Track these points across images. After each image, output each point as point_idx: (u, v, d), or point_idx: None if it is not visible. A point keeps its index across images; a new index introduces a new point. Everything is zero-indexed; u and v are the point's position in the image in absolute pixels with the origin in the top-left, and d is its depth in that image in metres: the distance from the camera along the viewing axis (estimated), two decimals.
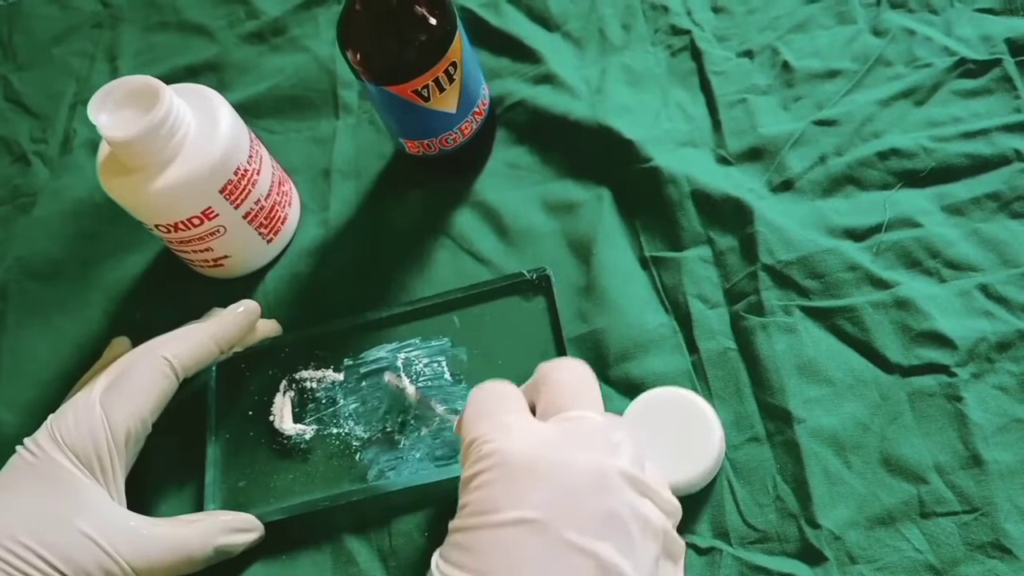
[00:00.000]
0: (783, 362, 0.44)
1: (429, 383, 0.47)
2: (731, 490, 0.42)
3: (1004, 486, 0.40)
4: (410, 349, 0.48)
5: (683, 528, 0.41)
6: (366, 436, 0.47)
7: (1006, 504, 0.39)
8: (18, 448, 0.42)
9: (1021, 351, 0.42)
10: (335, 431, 0.47)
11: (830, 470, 0.41)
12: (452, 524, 0.34)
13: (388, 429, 0.46)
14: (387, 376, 0.47)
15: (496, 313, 0.49)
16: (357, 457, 0.46)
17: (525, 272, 0.49)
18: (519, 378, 0.46)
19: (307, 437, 0.47)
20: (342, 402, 0.48)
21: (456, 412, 0.46)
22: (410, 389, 0.47)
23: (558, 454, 0.33)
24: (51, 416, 0.43)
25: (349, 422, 0.47)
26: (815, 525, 0.40)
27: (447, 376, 0.47)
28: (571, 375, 0.38)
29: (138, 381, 0.43)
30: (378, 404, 0.47)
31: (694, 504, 0.42)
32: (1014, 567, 0.38)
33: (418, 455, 0.45)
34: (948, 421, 0.42)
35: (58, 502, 0.40)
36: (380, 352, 0.49)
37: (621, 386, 0.46)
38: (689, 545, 0.41)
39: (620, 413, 0.43)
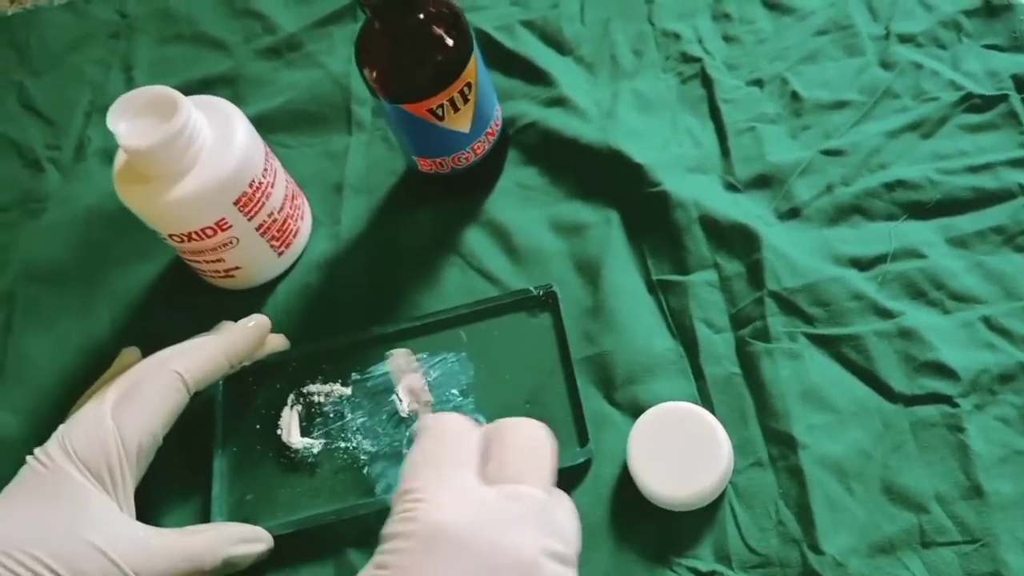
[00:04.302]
0: (787, 388, 0.44)
1: (436, 399, 0.47)
2: (733, 514, 0.42)
3: (1005, 517, 0.40)
4: (419, 362, 0.49)
5: (685, 552, 0.42)
6: (374, 450, 0.47)
7: (1006, 536, 0.40)
8: (28, 459, 0.42)
9: (1023, 383, 0.43)
10: (343, 445, 0.47)
11: (832, 497, 0.42)
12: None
13: (396, 443, 0.47)
14: (392, 364, 0.47)
15: (503, 329, 0.49)
16: (365, 471, 0.46)
17: (532, 288, 0.49)
18: (525, 394, 0.47)
19: (315, 451, 0.47)
20: (350, 416, 0.48)
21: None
22: (413, 381, 0.47)
23: (486, 531, 0.31)
24: (62, 427, 0.43)
25: (357, 436, 0.47)
26: (818, 551, 0.40)
27: (454, 390, 0.48)
28: (527, 441, 0.36)
29: (149, 395, 0.43)
30: (386, 418, 0.47)
31: (696, 528, 0.42)
32: None
33: None
34: (950, 451, 0.42)
35: (67, 514, 0.40)
36: (388, 367, 0.49)
37: (627, 409, 0.46)
38: (690, 569, 0.41)
39: (625, 436, 0.43)
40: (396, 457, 0.46)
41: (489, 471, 0.34)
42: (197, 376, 0.45)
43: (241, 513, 0.46)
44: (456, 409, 0.47)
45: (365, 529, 0.45)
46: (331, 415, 0.48)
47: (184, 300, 0.55)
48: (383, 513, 0.44)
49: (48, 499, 0.40)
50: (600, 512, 0.43)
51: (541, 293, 0.49)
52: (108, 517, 0.41)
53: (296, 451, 0.47)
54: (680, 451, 0.42)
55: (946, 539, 0.40)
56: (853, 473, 0.42)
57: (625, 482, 0.43)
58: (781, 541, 0.41)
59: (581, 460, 0.44)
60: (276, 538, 0.45)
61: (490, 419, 0.46)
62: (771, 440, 0.44)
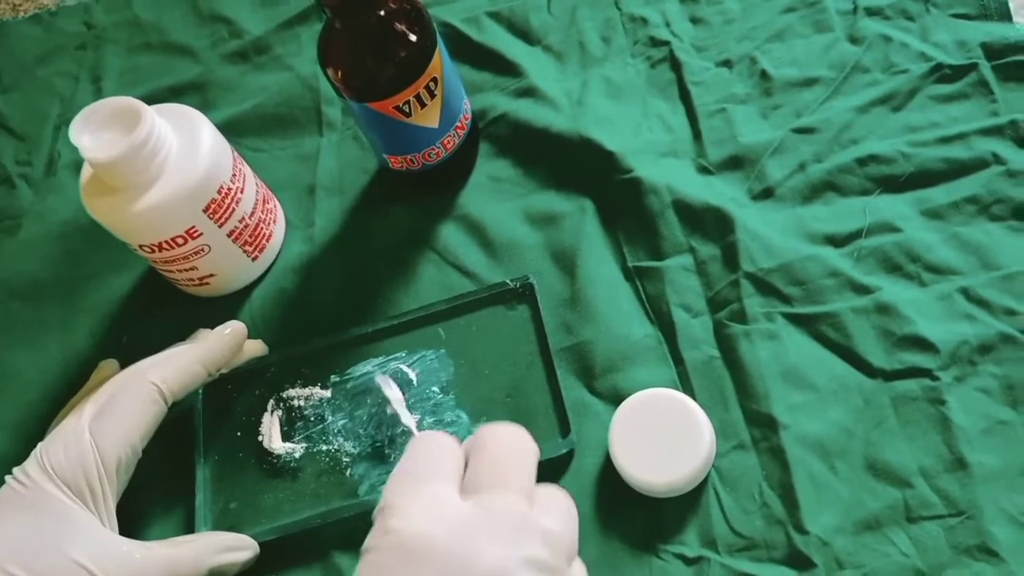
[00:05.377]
0: (767, 369, 0.44)
1: (416, 396, 0.47)
2: (717, 498, 0.42)
3: (989, 489, 0.40)
4: (397, 362, 0.49)
5: (671, 538, 0.42)
6: (356, 451, 0.47)
7: (991, 507, 0.39)
8: (7, 479, 0.42)
9: (1003, 354, 0.43)
10: (324, 448, 0.47)
11: (816, 476, 0.42)
12: None
13: (378, 443, 0.46)
14: (378, 378, 0.47)
15: (481, 323, 0.49)
16: (348, 473, 0.46)
17: (508, 281, 0.49)
18: (506, 387, 0.47)
19: (296, 455, 0.47)
20: (330, 419, 0.48)
21: (440, 423, 0.46)
22: (395, 395, 0.47)
23: (462, 543, 0.31)
24: (40, 445, 0.43)
25: (338, 438, 0.47)
26: (802, 531, 0.40)
27: (435, 388, 0.47)
28: (504, 447, 0.35)
29: (127, 408, 0.43)
30: (367, 419, 0.47)
31: (681, 513, 0.42)
32: (1000, 570, 0.38)
33: None
34: (932, 425, 0.42)
35: (49, 531, 0.40)
36: (367, 367, 0.49)
37: (608, 398, 0.46)
38: (677, 555, 0.41)
39: (607, 425, 0.43)
40: (378, 457, 0.46)
41: (467, 482, 0.34)
42: (174, 387, 0.45)
43: (226, 522, 0.46)
44: (437, 407, 0.47)
45: (350, 531, 0.45)
46: (311, 418, 0.48)
47: (161, 310, 0.55)
48: (367, 514, 0.44)
49: (28, 518, 0.40)
50: (584, 502, 0.43)
51: (518, 285, 0.49)
52: (90, 533, 0.40)
53: (278, 456, 0.47)
54: (662, 437, 0.42)
55: (931, 513, 0.40)
56: (836, 451, 0.42)
57: (608, 471, 0.43)
58: (766, 523, 0.41)
59: (564, 451, 0.44)
60: (262, 544, 0.45)
61: (472, 414, 0.46)
62: (752, 422, 0.44)
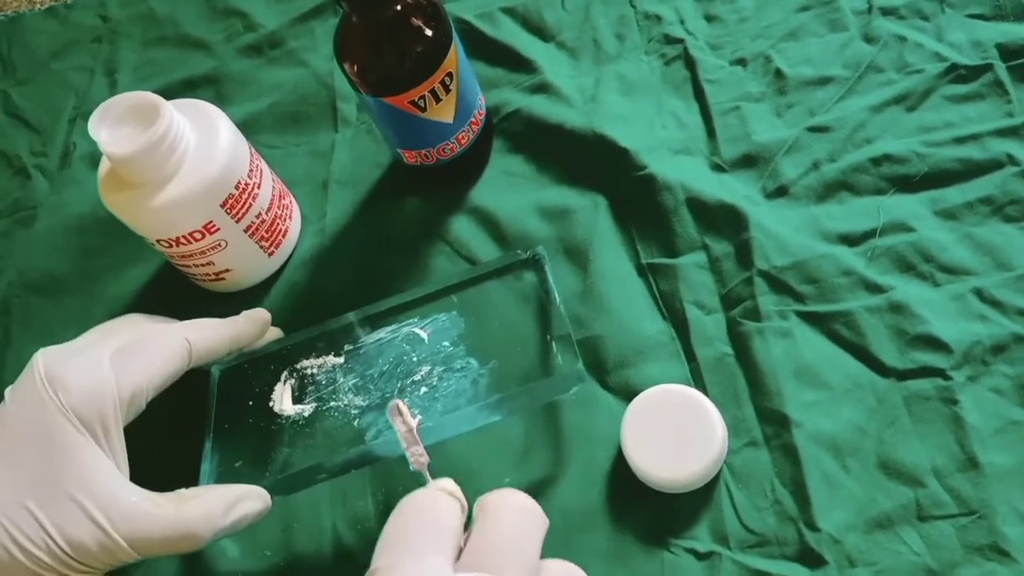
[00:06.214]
0: (780, 367, 0.44)
1: (428, 351, 0.46)
2: (729, 494, 0.42)
3: (1001, 488, 0.40)
4: (410, 327, 0.48)
5: (682, 533, 0.42)
6: (365, 404, 0.46)
7: (1003, 506, 0.40)
8: (7, 399, 0.39)
9: (1016, 354, 0.43)
10: (334, 404, 0.46)
11: (828, 474, 0.42)
12: None
13: (387, 396, 0.45)
14: (389, 410, 0.44)
15: (492, 288, 0.48)
16: (356, 424, 0.45)
17: (519, 252, 0.48)
18: (515, 335, 0.45)
19: (306, 414, 0.46)
20: (341, 380, 0.47)
21: (451, 371, 0.45)
22: (409, 423, 0.43)
23: None
24: (40, 363, 0.40)
25: (348, 395, 0.46)
26: (814, 528, 0.41)
27: (446, 343, 0.47)
28: (510, 527, 0.33)
29: (155, 352, 0.42)
30: (378, 376, 0.46)
31: (692, 509, 0.42)
32: (1012, 569, 0.38)
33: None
34: (944, 424, 0.42)
35: (63, 471, 0.38)
36: (380, 334, 0.48)
37: (620, 393, 0.46)
38: (688, 550, 0.42)
39: (619, 420, 0.43)
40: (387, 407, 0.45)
41: (465, 553, 0.32)
42: (200, 350, 0.44)
43: (232, 479, 0.44)
44: (447, 358, 0.46)
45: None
46: (323, 382, 0.48)
47: (177, 305, 0.55)
48: (372, 458, 0.43)
49: (41, 450, 0.38)
50: (596, 496, 0.44)
51: (528, 255, 0.48)
52: (104, 478, 0.38)
53: (287, 417, 0.47)
54: (674, 433, 0.42)
55: (943, 512, 0.40)
56: (848, 449, 0.42)
57: (620, 466, 0.44)
58: (778, 520, 0.41)
59: (574, 388, 0.43)
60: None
61: (481, 360, 0.45)
62: (765, 419, 0.44)
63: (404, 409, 0.41)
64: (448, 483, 0.34)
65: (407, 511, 0.33)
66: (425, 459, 0.40)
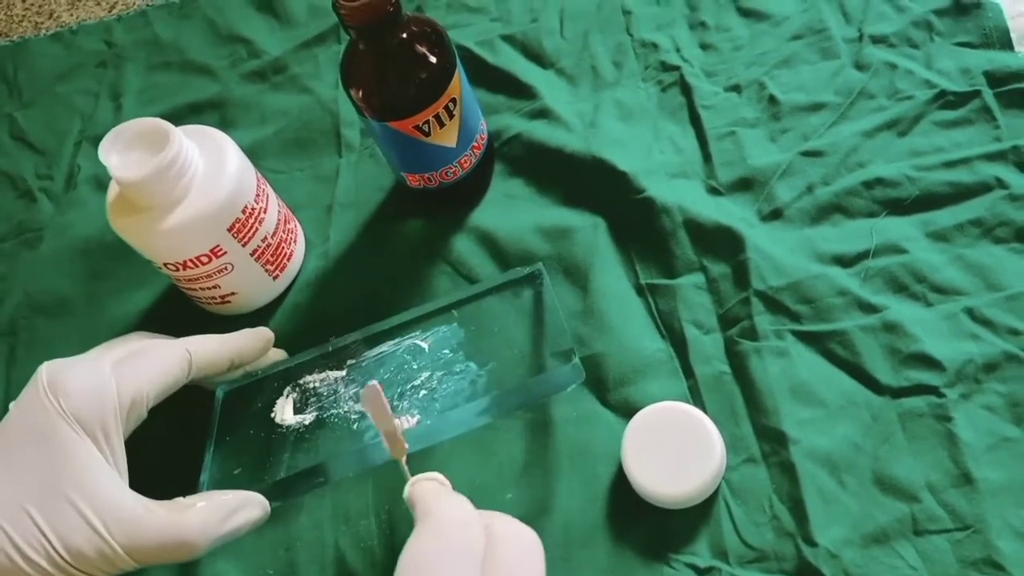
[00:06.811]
0: (777, 385, 0.45)
1: (428, 358, 0.47)
2: (728, 510, 0.43)
3: (995, 504, 0.41)
4: (412, 339, 0.49)
5: (682, 548, 0.43)
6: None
7: (997, 521, 0.40)
8: (11, 408, 0.40)
9: (1008, 372, 0.44)
10: (334, 412, 0.47)
11: (825, 490, 0.42)
12: None
13: (386, 397, 0.45)
14: (363, 396, 0.43)
15: (492, 302, 0.49)
16: (355, 427, 0.46)
17: (519, 268, 0.49)
18: (516, 350, 0.46)
19: (307, 423, 0.47)
20: (343, 391, 0.48)
21: (450, 374, 0.46)
22: (385, 407, 0.44)
23: None
24: (44, 373, 0.40)
25: (349, 403, 0.47)
26: (812, 543, 0.41)
27: (446, 350, 0.47)
28: (514, 564, 0.35)
29: (155, 360, 0.43)
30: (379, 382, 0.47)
31: (692, 525, 0.43)
32: None
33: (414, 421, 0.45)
34: (938, 441, 0.43)
35: (62, 474, 0.38)
36: (382, 348, 0.49)
37: (620, 410, 0.47)
38: (688, 566, 0.42)
39: (619, 437, 0.44)
40: None
41: None
42: (201, 362, 0.45)
43: (231, 487, 0.44)
44: (447, 363, 0.46)
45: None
46: (324, 393, 0.48)
47: (181, 327, 0.55)
48: (369, 457, 0.44)
49: (43, 453, 0.38)
50: (597, 512, 0.44)
51: (528, 272, 0.49)
52: (103, 483, 0.38)
53: (288, 427, 0.47)
54: (674, 450, 0.43)
55: (938, 527, 0.41)
56: (844, 466, 0.43)
57: (620, 482, 0.44)
58: (776, 535, 0.42)
59: (572, 384, 0.44)
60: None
61: (480, 364, 0.46)
62: (762, 436, 0.45)
63: (380, 390, 0.41)
64: (436, 477, 0.37)
65: (430, 531, 0.35)
66: (404, 446, 0.41)
